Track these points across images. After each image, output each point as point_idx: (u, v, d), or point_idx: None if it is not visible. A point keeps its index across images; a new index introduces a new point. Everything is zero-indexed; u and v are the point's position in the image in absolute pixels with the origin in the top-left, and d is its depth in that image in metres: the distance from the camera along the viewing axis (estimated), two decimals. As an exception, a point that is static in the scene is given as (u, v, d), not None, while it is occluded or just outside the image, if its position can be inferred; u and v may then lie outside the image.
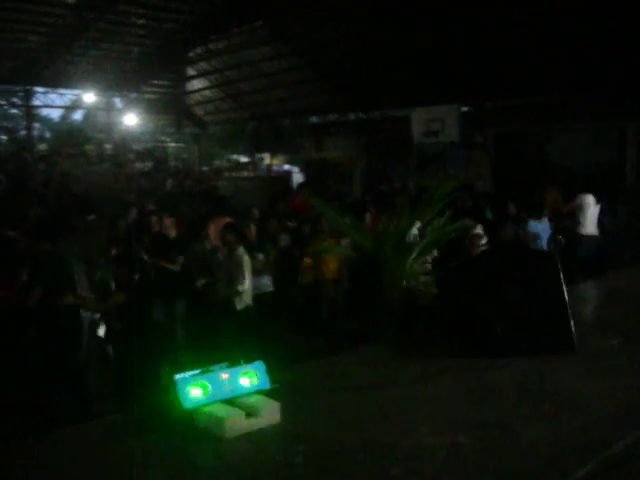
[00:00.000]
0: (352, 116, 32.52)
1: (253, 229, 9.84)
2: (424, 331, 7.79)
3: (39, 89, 33.47)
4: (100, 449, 5.47)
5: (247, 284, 8.58)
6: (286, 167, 42.02)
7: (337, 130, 29.40)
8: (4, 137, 36.72)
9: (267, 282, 9.40)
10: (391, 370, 6.48)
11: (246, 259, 8.52)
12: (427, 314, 7.96)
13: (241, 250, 8.52)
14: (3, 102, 37.15)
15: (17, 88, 33.25)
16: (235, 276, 8.47)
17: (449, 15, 18.26)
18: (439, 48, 19.66)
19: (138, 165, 32.55)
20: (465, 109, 22.45)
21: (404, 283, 7.29)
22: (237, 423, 5.82)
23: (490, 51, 18.64)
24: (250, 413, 5.94)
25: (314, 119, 33.49)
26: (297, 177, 31.64)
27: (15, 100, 35.47)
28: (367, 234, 7.80)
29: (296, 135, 35.99)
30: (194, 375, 6.13)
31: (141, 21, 26.63)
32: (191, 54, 30.93)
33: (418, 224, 8.18)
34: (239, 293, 8.48)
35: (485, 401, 5.32)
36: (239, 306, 8.43)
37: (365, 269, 8.41)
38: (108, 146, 33.67)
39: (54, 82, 32.64)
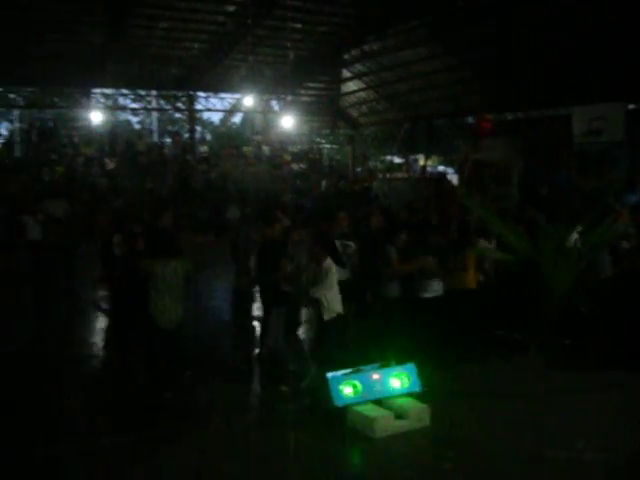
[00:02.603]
0: (509, 116, 31.65)
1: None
2: (583, 341, 7.45)
3: (201, 94, 35.01)
4: (253, 439, 5.65)
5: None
6: (440, 168, 41.62)
7: (494, 130, 28.71)
8: (169, 140, 38.64)
9: (438, 287, 9.18)
10: (545, 380, 6.25)
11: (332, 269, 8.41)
12: (588, 324, 7.60)
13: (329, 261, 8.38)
14: (169, 107, 39.15)
15: (181, 94, 34.95)
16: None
17: (611, 7, 17.36)
18: (601, 42, 18.73)
19: (294, 166, 33.25)
20: (632, 107, 21.26)
21: (564, 289, 6.98)
22: (386, 424, 5.85)
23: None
24: (399, 415, 5.95)
25: (470, 119, 32.89)
26: (451, 178, 31.23)
27: (179, 105, 37.28)
28: (525, 237, 7.55)
29: (451, 136, 35.47)
30: (346, 374, 6.21)
31: (297, 25, 27.14)
32: (346, 56, 31.22)
33: (579, 228, 7.83)
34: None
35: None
36: (326, 316, 8.23)
37: (521, 273, 8.15)
38: (265, 148, 34.60)
39: (215, 87, 34.05)
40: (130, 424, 6.68)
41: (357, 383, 6.18)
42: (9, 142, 31.85)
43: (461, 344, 7.95)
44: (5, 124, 43.79)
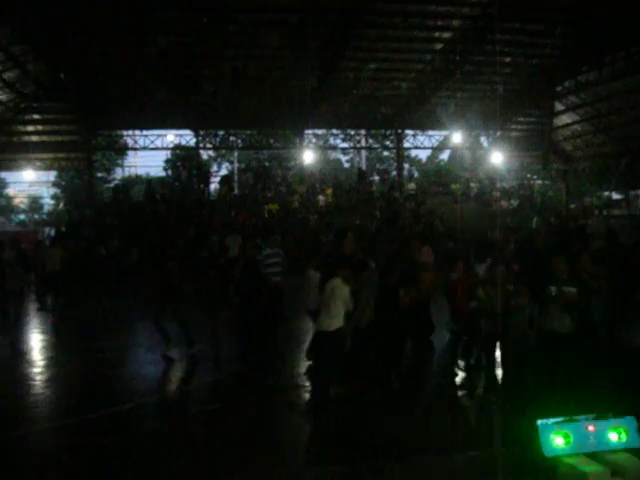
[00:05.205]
0: None
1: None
2: None
3: (409, 132, 35.43)
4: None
5: None
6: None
7: None
8: (377, 177, 39.38)
9: None
10: None
11: None
12: None
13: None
14: (377, 146, 39.89)
15: (389, 132, 35.51)
16: None
17: None
18: None
19: (503, 203, 32.40)
20: None
21: None
22: (601, 481, 5.33)
23: None
24: (616, 472, 5.40)
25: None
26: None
27: (387, 143, 37.84)
28: None
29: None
30: (557, 422, 5.77)
31: (507, 59, 26.67)
32: (559, 88, 30.18)
33: None
34: None
35: None
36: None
37: None
38: (474, 184, 34.08)
39: (423, 125, 34.32)
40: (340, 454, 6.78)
41: (570, 433, 5.72)
42: (229, 181, 33.94)
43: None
44: (226, 164, 46.89)
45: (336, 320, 8.35)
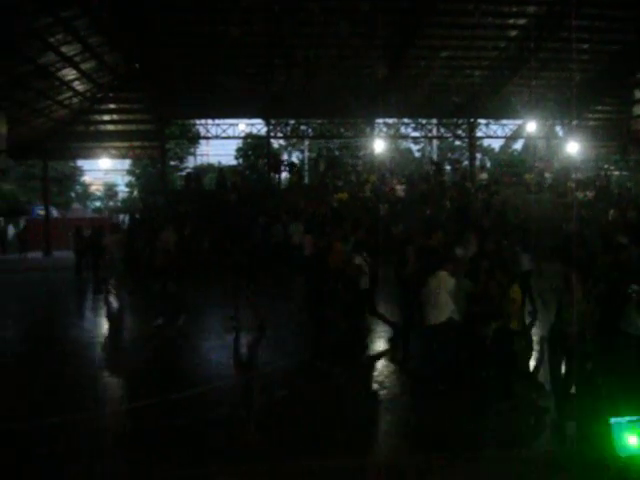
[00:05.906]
0: None
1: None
2: None
3: (481, 121, 34.81)
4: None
5: None
6: None
7: None
8: (449, 167, 38.87)
9: None
10: None
11: None
12: None
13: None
14: (449, 135, 39.34)
15: (461, 121, 34.98)
16: None
17: None
18: None
19: (579, 194, 31.58)
20: None
21: None
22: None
23: None
24: (694, 474, 5.21)
25: None
26: None
27: (459, 132, 37.28)
28: None
29: None
30: (632, 421, 5.58)
31: (584, 46, 25.93)
32: (639, 75, 29.22)
33: None
34: None
35: None
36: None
37: None
38: (548, 175, 33.28)
39: (496, 113, 33.62)
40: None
41: (644, 432, 5.53)
42: (299, 170, 34.10)
43: None
44: (296, 153, 47.09)
45: (443, 312, 8.56)
